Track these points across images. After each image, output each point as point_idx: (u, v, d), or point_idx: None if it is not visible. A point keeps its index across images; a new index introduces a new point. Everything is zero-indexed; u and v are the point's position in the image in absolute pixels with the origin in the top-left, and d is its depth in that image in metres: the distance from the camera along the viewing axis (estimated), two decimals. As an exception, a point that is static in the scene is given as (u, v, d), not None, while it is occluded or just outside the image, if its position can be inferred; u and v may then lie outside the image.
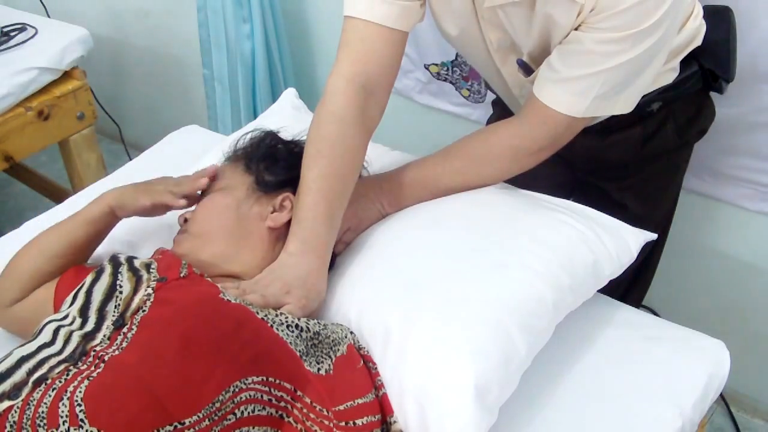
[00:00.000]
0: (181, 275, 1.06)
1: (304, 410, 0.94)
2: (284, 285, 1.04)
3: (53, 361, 0.94)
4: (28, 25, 2.10)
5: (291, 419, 0.94)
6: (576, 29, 1.08)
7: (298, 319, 1.01)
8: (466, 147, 1.24)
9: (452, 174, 1.24)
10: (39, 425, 0.84)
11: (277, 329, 0.98)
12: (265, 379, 0.93)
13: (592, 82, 1.09)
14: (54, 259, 1.17)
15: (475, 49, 1.26)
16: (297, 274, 1.06)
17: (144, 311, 0.98)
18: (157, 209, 1.20)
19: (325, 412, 0.95)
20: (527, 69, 1.21)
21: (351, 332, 1.06)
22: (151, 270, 1.06)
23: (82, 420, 0.84)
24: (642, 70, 1.12)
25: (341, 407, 0.96)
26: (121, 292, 1.02)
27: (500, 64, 1.26)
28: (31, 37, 2.06)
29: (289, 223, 1.12)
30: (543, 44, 1.15)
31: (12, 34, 2.06)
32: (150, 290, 1.02)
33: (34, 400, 0.87)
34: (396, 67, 1.21)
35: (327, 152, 1.13)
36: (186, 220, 1.18)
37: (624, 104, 1.16)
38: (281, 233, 1.14)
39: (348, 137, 1.15)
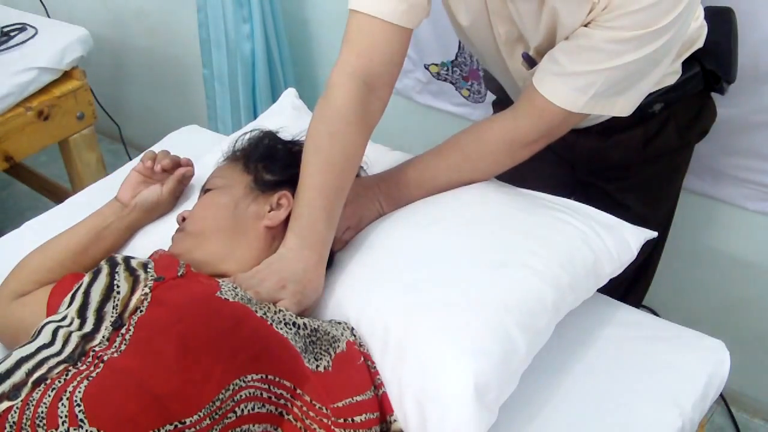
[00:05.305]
0: (179, 274, 1.05)
1: (304, 408, 0.94)
2: (280, 280, 1.04)
3: (52, 362, 0.93)
4: (28, 25, 2.10)
5: (291, 417, 0.94)
6: (585, 26, 1.08)
7: (296, 318, 1.00)
8: (460, 143, 1.24)
9: (448, 171, 1.24)
10: (38, 425, 0.84)
11: (276, 327, 0.98)
12: (264, 376, 0.93)
13: (594, 78, 1.09)
14: (81, 245, 1.22)
15: (484, 41, 1.26)
16: (294, 269, 1.05)
17: (141, 311, 0.98)
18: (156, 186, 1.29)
19: (324, 410, 0.95)
20: (531, 62, 1.21)
21: (351, 329, 1.05)
22: (148, 269, 1.06)
23: (81, 420, 0.83)
24: (645, 73, 1.12)
25: (340, 404, 0.96)
26: (118, 293, 1.02)
27: (507, 56, 1.26)
28: (31, 37, 2.06)
29: (286, 221, 1.12)
30: (550, 39, 1.14)
31: (12, 34, 2.06)
32: (147, 290, 1.01)
33: (33, 400, 0.87)
34: (399, 65, 1.20)
35: (326, 147, 1.12)
36: (184, 219, 1.18)
37: (623, 106, 1.15)
38: (278, 232, 1.13)
39: (348, 133, 1.14)
